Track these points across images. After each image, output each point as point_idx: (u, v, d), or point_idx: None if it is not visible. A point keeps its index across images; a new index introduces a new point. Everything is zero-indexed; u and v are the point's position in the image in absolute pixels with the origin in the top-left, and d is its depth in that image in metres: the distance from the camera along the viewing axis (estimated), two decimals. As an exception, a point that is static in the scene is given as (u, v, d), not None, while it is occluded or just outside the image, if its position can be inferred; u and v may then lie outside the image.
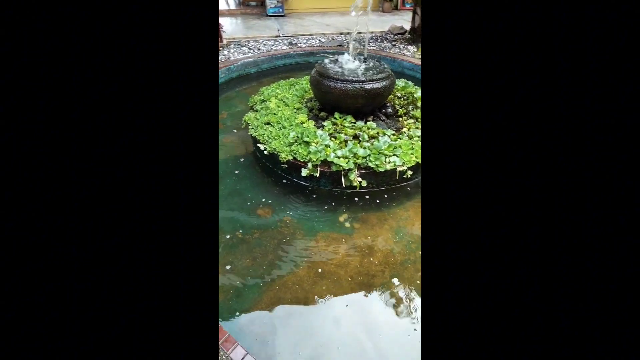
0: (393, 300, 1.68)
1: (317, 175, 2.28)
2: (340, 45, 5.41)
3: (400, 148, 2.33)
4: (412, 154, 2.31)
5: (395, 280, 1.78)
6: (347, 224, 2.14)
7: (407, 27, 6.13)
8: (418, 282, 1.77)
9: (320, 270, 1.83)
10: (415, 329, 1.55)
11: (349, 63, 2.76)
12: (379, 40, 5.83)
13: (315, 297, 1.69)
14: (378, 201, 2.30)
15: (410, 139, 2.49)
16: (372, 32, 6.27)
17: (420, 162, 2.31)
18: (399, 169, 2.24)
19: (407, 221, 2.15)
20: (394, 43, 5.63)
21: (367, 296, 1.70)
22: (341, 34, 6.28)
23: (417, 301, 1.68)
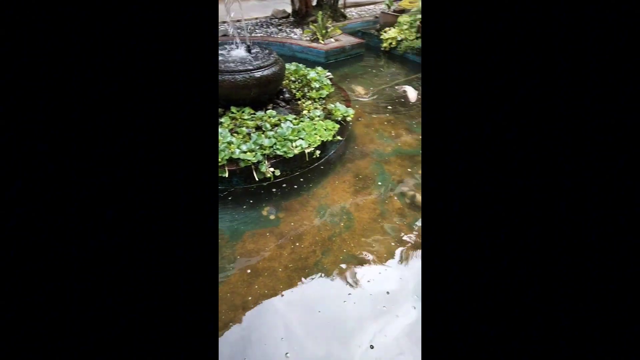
0: (327, 275, 1.77)
1: (227, 176, 2.15)
2: (225, 35, 5.09)
3: (304, 130, 2.37)
4: (315, 134, 2.39)
5: (326, 255, 1.86)
6: (272, 217, 2.11)
7: (289, 10, 6.15)
8: (345, 250, 1.89)
9: (251, 270, 1.78)
10: (349, 294, 1.67)
11: (234, 52, 2.62)
12: (264, 26, 5.70)
13: (250, 298, 1.64)
14: (296, 186, 2.33)
15: (312, 119, 2.56)
16: (256, 18, 6.08)
17: (324, 140, 2.41)
18: (306, 151, 2.30)
19: (327, 198, 2.25)
20: (279, 27, 5.59)
21: (303, 280, 1.74)
22: (224, 22, 5.91)
23: (349, 269, 1.80)
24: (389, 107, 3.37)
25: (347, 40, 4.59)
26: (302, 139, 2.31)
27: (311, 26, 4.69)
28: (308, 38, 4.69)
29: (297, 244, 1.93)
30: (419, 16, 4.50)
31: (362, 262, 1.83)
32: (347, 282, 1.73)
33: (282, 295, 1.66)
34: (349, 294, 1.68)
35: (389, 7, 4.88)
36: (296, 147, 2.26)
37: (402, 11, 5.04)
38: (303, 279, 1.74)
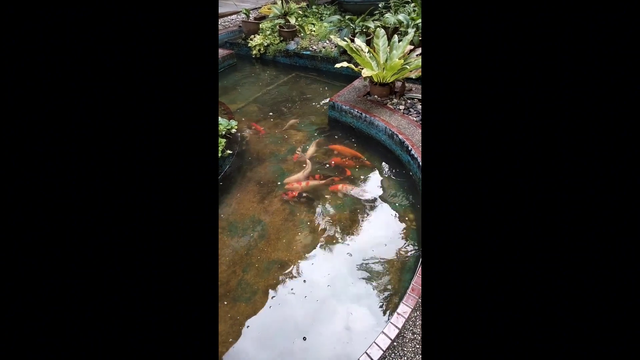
0: (249, 289, 1.73)
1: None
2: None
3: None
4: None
5: (246, 269, 1.82)
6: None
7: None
8: (264, 260, 1.89)
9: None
10: (272, 297, 1.69)
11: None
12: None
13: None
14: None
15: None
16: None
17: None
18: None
19: (235, 214, 2.18)
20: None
21: (226, 303, 1.66)
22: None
23: (270, 270, 1.81)
24: (274, 110, 3.47)
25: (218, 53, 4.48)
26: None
27: (172, 44, 4.38)
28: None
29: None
30: (277, 21, 4.74)
31: (284, 264, 1.87)
32: (274, 288, 1.74)
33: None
34: (273, 297, 1.69)
35: (248, 16, 4.98)
36: (184, 173, 2.11)
37: (262, 18, 5.21)
38: (225, 302, 1.67)
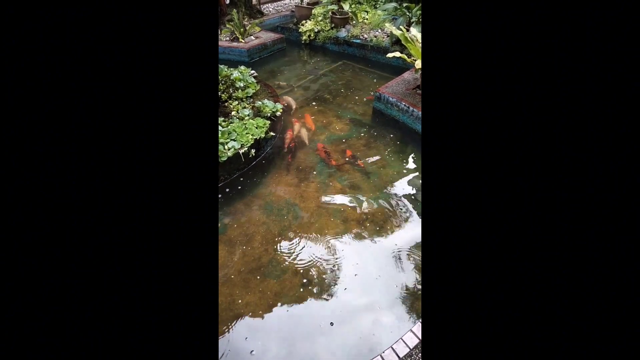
0: (279, 267, 1.79)
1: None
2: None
3: (234, 131, 2.32)
4: (247, 133, 2.35)
5: (278, 248, 1.88)
6: (218, 224, 2.04)
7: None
8: (296, 239, 1.93)
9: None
10: (304, 281, 1.72)
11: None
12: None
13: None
14: (239, 187, 2.28)
15: (241, 119, 2.51)
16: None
17: (257, 138, 2.39)
18: (240, 151, 2.26)
19: (272, 195, 2.25)
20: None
21: (258, 277, 1.73)
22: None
23: (300, 253, 1.85)
24: (317, 98, 3.47)
25: (268, 37, 4.55)
26: (234, 140, 2.26)
27: (228, 25, 4.53)
28: (227, 38, 4.53)
29: (249, 247, 1.90)
30: (330, 7, 4.67)
31: (315, 248, 1.90)
32: (298, 267, 1.77)
33: (240, 301, 1.64)
34: (304, 281, 1.73)
35: (302, 1, 4.97)
36: (229, 149, 2.20)
37: (316, 3, 5.16)
38: (258, 276, 1.74)
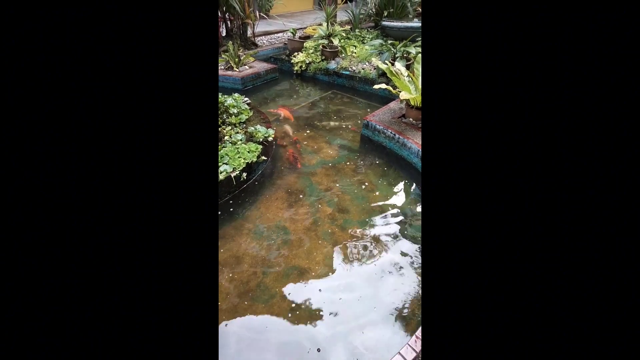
0: (268, 293, 1.77)
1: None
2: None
3: (227, 155, 2.38)
4: (239, 157, 2.41)
5: (266, 271, 1.87)
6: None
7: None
8: (283, 265, 1.93)
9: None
10: (293, 305, 1.71)
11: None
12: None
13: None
14: (231, 209, 2.29)
15: (234, 144, 2.58)
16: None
17: (249, 162, 2.45)
18: (232, 175, 2.30)
19: (262, 218, 2.27)
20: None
21: (246, 303, 1.71)
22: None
23: (290, 285, 1.84)
24: (308, 124, 3.61)
25: (261, 67, 4.78)
26: (226, 164, 2.31)
27: (224, 55, 4.75)
28: (222, 67, 4.73)
29: (238, 269, 1.89)
30: (321, 41, 4.99)
31: (304, 271, 1.90)
32: (290, 299, 1.76)
33: (226, 325, 1.60)
34: (293, 305, 1.71)
35: (294, 35, 5.31)
36: (221, 172, 2.25)
37: (307, 37, 5.51)
38: (246, 301, 1.71)
